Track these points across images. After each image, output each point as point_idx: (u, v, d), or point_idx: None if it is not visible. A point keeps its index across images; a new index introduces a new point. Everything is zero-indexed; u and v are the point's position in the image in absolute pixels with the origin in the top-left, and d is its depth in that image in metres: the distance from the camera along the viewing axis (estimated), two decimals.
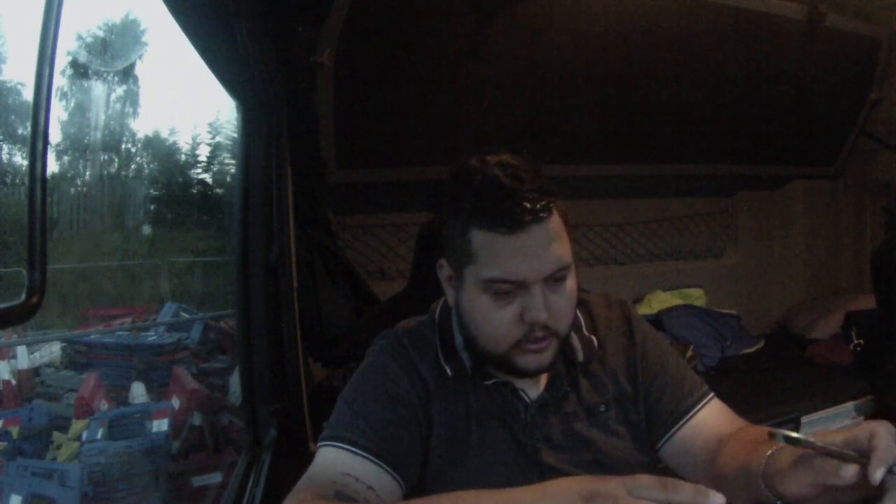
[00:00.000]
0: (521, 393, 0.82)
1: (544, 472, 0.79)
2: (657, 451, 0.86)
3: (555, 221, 0.73)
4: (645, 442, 0.85)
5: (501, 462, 0.80)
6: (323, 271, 1.88)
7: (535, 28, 2.04)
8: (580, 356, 0.83)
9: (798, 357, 2.54)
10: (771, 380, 2.27)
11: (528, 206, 0.71)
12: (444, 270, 0.81)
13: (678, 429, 0.84)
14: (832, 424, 2.11)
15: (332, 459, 0.75)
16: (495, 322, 0.74)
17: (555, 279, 0.74)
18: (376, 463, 0.75)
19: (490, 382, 0.81)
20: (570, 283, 0.76)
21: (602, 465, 0.81)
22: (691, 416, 0.84)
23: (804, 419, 2.04)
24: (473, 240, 0.73)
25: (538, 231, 0.72)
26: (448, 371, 0.81)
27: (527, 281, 0.72)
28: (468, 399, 0.82)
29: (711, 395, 0.86)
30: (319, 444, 0.78)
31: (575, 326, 0.82)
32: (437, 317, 0.86)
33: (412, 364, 0.82)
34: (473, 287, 0.75)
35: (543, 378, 0.83)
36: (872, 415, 2.18)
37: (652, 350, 0.87)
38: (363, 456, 0.74)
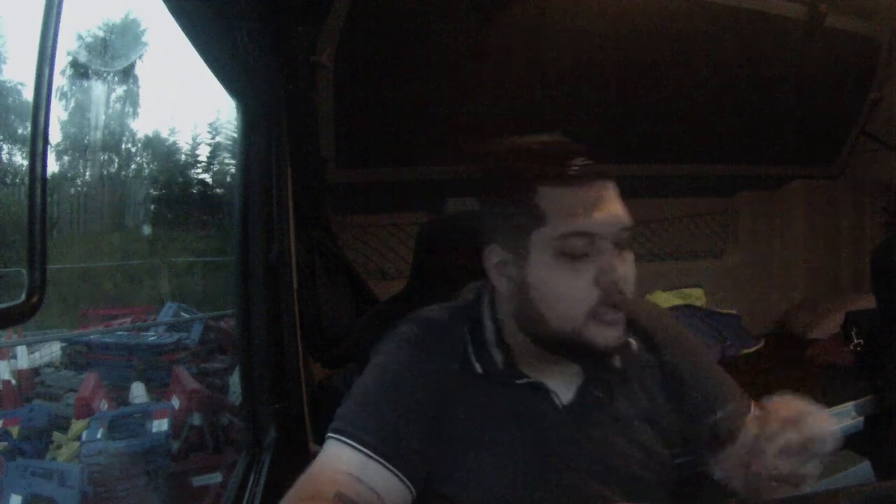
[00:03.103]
0: (553, 396, 0.77)
1: (566, 481, 0.75)
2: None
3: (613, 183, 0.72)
4: (678, 461, 0.81)
5: (522, 468, 0.75)
6: (323, 271, 1.88)
7: (535, 28, 2.04)
8: (618, 362, 0.78)
9: (798, 357, 2.53)
10: (771, 380, 2.27)
11: (594, 161, 0.70)
12: (495, 256, 0.75)
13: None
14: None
15: (337, 456, 0.71)
16: (570, 287, 0.70)
17: (620, 246, 0.71)
18: (383, 465, 0.70)
19: (522, 382, 0.76)
20: (630, 256, 0.73)
21: (628, 480, 0.77)
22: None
23: None
24: (542, 200, 0.70)
25: (605, 185, 0.71)
26: (478, 367, 0.76)
27: (602, 234, 0.69)
28: (493, 399, 0.76)
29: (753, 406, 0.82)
30: (328, 435, 0.73)
31: None
32: (466, 308, 0.81)
33: (433, 357, 0.77)
34: (544, 253, 0.70)
35: (577, 382, 0.78)
36: (872, 415, 2.18)
37: (688, 353, 0.83)
38: (369, 455, 0.70)
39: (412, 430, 0.73)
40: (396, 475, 0.70)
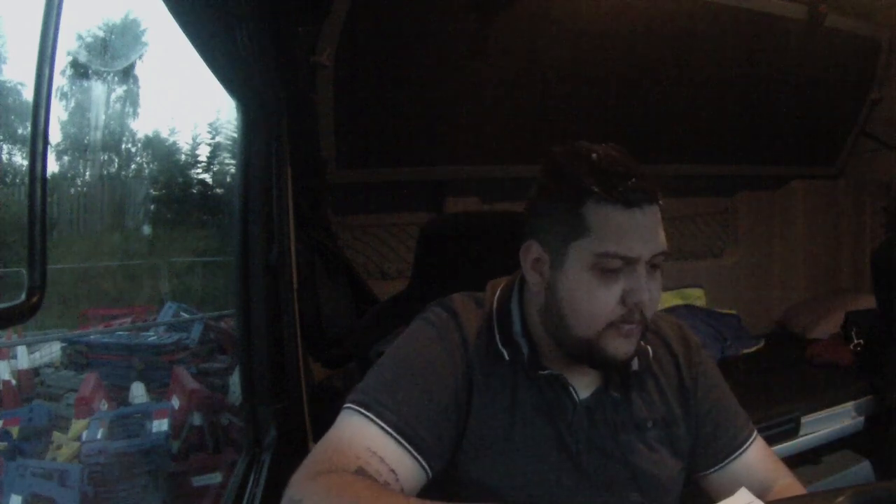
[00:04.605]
0: (572, 390, 0.80)
1: (582, 476, 0.78)
2: (700, 479, 0.87)
3: (658, 208, 0.75)
4: (684, 467, 0.85)
5: (541, 458, 0.78)
6: (323, 271, 1.88)
7: (535, 28, 2.04)
8: (635, 364, 0.81)
9: (798, 357, 2.54)
10: (771, 380, 2.27)
11: (646, 185, 0.72)
12: (533, 252, 0.78)
13: (729, 462, 0.85)
14: (832, 424, 2.11)
15: (359, 429, 0.72)
16: (597, 301, 0.73)
17: (653, 265, 0.74)
18: (401, 443, 0.72)
19: (544, 373, 0.79)
20: (660, 274, 0.76)
21: (639, 480, 0.80)
22: (743, 452, 0.85)
23: (804, 419, 2.04)
24: (589, 214, 0.72)
25: (651, 211, 0.73)
26: (505, 355, 0.79)
27: (639, 258, 0.72)
28: (516, 388, 0.79)
29: (756, 432, 0.88)
30: (346, 404, 0.75)
31: None
32: (495, 297, 0.84)
33: (460, 343, 0.79)
34: (579, 263, 0.74)
35: (595, 380, 0.81)
36: (872, 415, 2.18)
37: (709, 379, 0.87)
38: (388, 433, 0.72)
39: (434, 413, 0.74)
40: (415, 457, 0.72)
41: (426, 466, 0.73)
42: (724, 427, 0.86)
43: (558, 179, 0.76)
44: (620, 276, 0.73)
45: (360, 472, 0.68)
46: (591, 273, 0.73)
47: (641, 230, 0.72)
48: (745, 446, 0.86)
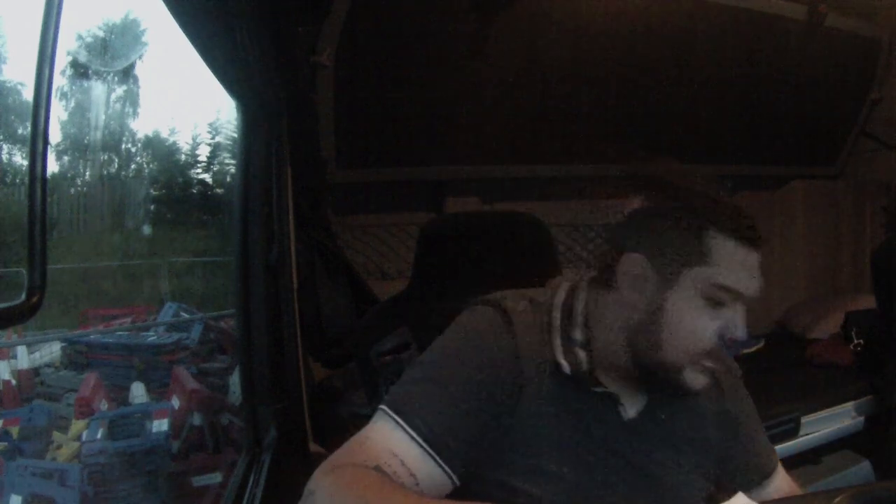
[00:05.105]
0: (621, 408, 0.79)
1: (617, 491, 0.78)
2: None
3: None
4: (711, 492, 0.85)
5: (584, 470, 0.76)
6: (323, 271, 1.88)
7: (535, 28, 2.04)
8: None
9: (798, 357, 2.53)
10: (771, 380, 2.27)
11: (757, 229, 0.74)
12: (637, 267, 0.75)
13: (761, 488, 0.87)
14: (832, 424, 2.11)
15: (386, 432, 0.71)
16: (701, 330, 0.73)
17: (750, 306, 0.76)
18: (428, 452, 0.70)
19: (599, 390, 0.77)
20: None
21: (668, 500, 0.80)
22: (768, 482, 0.87)
23: (804, 419, 2.04)
24: (713, 243, 0.73)
25: (759, 254, 0.75)
26: (566, 367, 0.76)
27: (748, 295, 0.74)
28: (567, 400, 0.76)
29: (780, 463, 0.90)
30: (382, 405, 0.74)
31: None
32: (559, 301, 0.80)
33: (510, 347, 0.76)
34: (692, 290, 0.73)
35: (642, 398, 0.81)
36: (872, 415, 2.18)
37: (746, 408, 0.89)
38: (414, 439, 0.70)
39: (469, 422, 0.73)
40: (441, 466, 0.71)
41: (452, 475, 0.72)
42: (754, 456, 0.87)
43: (681, 202, 0.75)
44: (724, 310, 0.74)
45: (378, 469, 0.68)
46: (699, 302, 0.73)
47: (755, 270, 0.74)
48: (770, 477, 0.87)
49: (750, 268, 0.73)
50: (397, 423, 0.71)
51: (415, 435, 0.71)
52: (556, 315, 0.79)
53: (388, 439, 0.71)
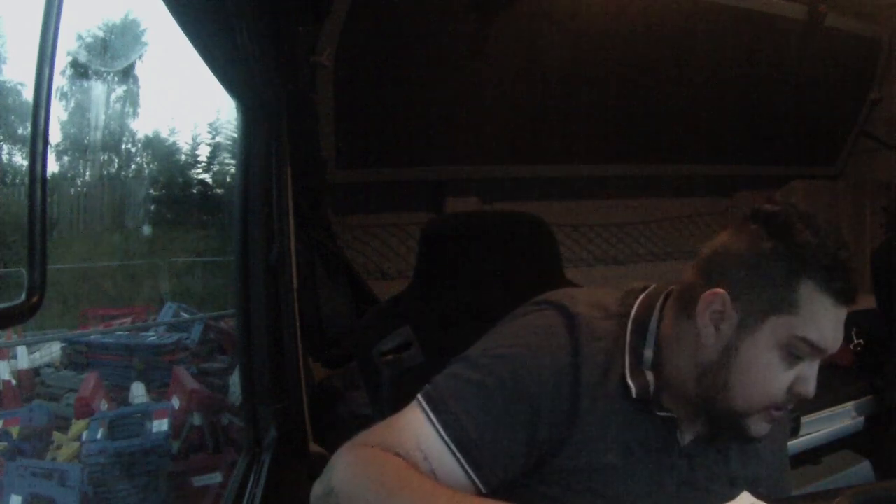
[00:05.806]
0: (678, 434, 0.76)
1: None
2: None
3: None
4: None
5: (637, 495, 0.74)
6: (323, 271, 1.88)
7: (535, 28, 2.04)
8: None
9: None
10: None
11: (856, 284, 0.70)
12: (719, 303, 0.71)
13: None
14: (832, 424, 2.11)
15: (417, 424, 0.69)
16: (774, 382, 0.70)
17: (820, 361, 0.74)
18: (454, 454, 0.68)
19: (662, 414, 0.74)
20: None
21: None
22: None
23: (804, 419, 2.04)
24: (805, 293, 0.69)
25: (847, 310, 0.72)
26: (633, 389, 0.72)
27: (827, 353, 0.71)
28: (628, 423, 0.73)
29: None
30: (421, 393, 0.71)
31: None
32: (633, 315, 0.76)
33: (572, 357, 0.72)
34: (770, 338, 0.70)
35: (699, 427, 0.77)
36: (872, 415, 2.18)
37: (784, 441, 0.88)
38: (444, 441, 0.68)
39: (510, 434, 0.70)
40: (465, 469, 0.68)
41: (479, 482, 0.69)
42: (784, 489, 0.86)
43: (780, 244, 0.70)
44: (799, 363, 0.71)
45: (398, 455, 0.67)
46: (779, 353, 0.70)
47: (840, 327, 0.71)
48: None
49: (836, 324, 0.70)
50: (429, 417, 0.69)
51: (445, 436, 0.68)
52: (629, 330, 0.75)
53: (418, 433, 0.69)
